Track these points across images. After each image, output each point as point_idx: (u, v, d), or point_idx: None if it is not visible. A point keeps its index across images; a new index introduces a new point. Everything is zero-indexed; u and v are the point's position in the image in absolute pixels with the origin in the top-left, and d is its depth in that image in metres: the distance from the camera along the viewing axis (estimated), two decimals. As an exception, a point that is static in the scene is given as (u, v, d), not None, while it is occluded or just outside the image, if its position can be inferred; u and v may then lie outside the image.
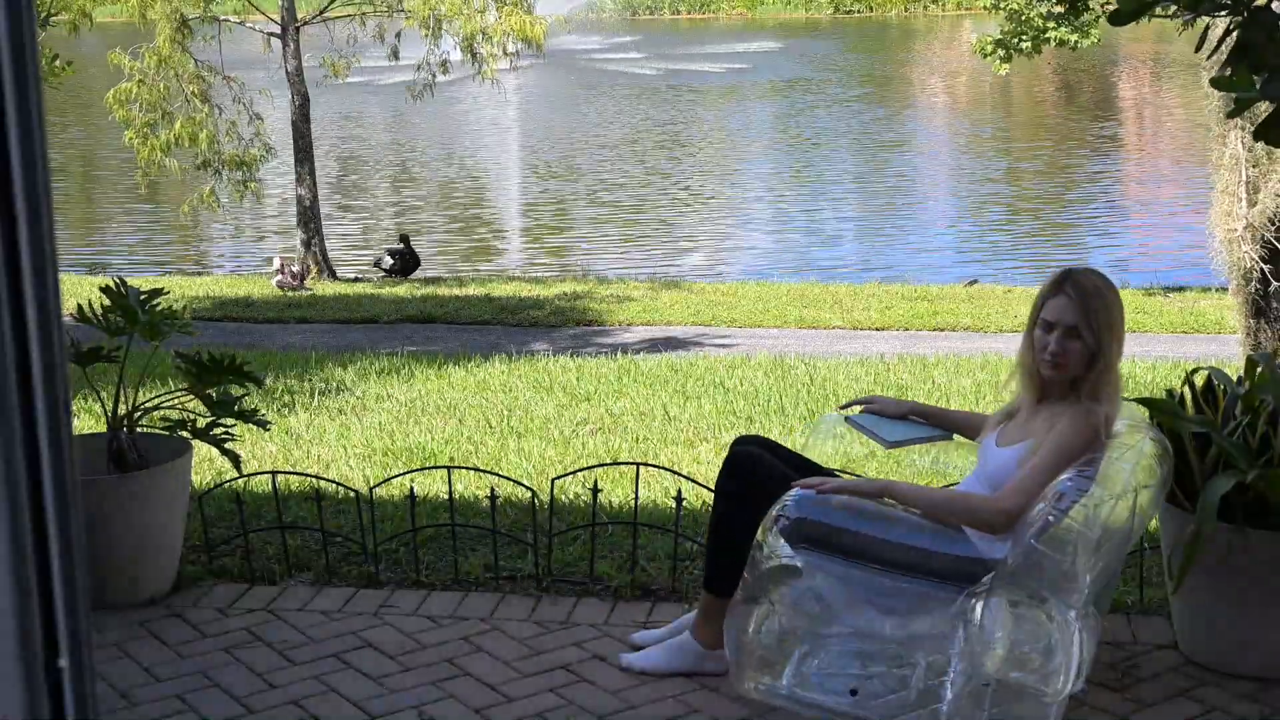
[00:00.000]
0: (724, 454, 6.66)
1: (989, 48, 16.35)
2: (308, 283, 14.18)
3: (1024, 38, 15.92)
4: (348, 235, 18.66)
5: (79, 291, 10.95)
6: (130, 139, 14.70)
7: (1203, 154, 15.15)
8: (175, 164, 14.81)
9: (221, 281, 14.69)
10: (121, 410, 4.50)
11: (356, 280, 15.20)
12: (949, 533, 3.51)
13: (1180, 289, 13.65)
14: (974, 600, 3.32)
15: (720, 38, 45.86)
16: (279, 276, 13.80)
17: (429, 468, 5.79)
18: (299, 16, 15.43)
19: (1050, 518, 3.24)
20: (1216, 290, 12.00)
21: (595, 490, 4.74)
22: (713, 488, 5.02)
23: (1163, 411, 3.90)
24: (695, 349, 10.52)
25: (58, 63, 11.76)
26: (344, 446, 6.51)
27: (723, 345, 10.74)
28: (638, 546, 4.65)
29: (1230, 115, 3.59)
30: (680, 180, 22.40)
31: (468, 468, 5.76)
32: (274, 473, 5.00)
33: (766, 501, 3.55)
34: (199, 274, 16.19)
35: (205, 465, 5.86)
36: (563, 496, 5.31)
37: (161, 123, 14.62)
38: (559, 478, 5.12)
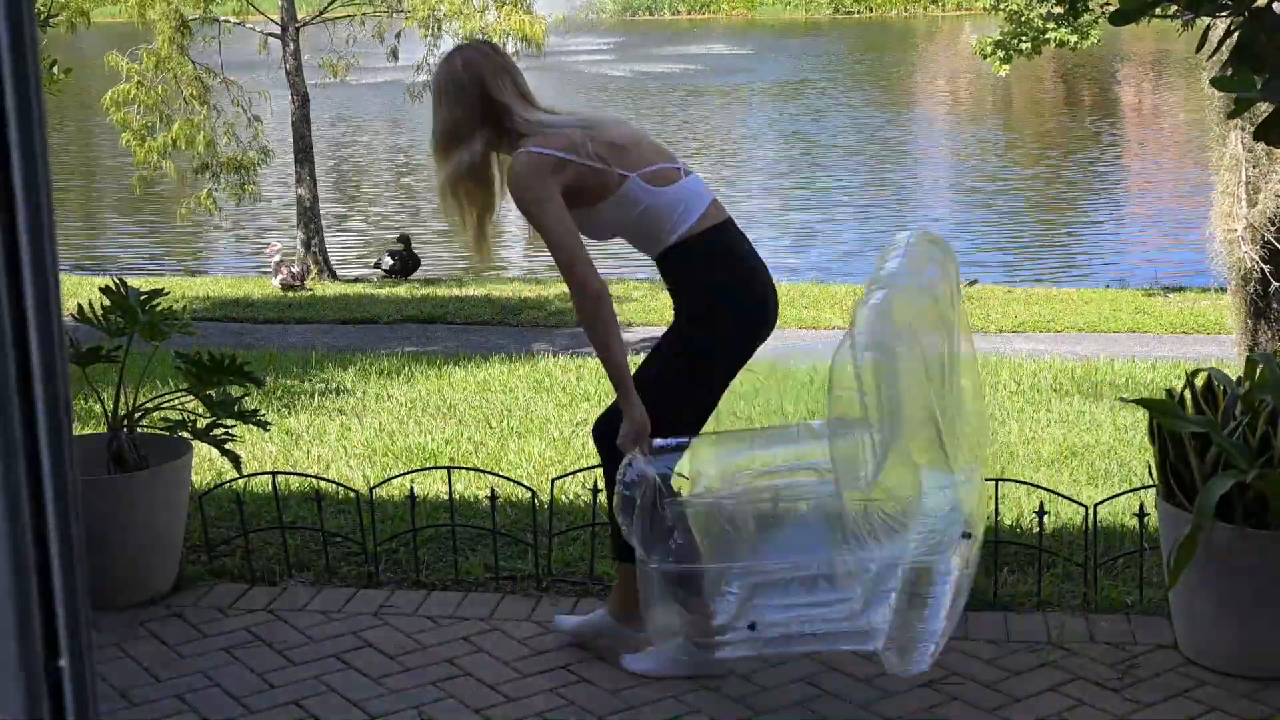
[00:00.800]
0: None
1: (989, 49, 16.35)
2: (307, 283, 14.18)
3: (1023, 39, 15.91)
4: (348, 236, 18.66)
5: (79, 292, 10.95)
6: (128, 141, 14.69)
7: (1203, 154, 15.17)
8: (172, 166, 14.77)
9: (221, 282, 14.69)
10: (121, 411, 4.50)
11: (357, 280, 15.20)
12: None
13: (1180, 289, 13.65)
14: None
15: (720, 38, 45.85)
16: (280, 274, 13.78)
17: (429, 468, 5.79)
18: (299, 17, 15.43)
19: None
20: (1216, 290, 12.00)
21: (595, 490, 4.74)
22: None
23: (1163, 412, 3.90)
24: (695, 349, 10.50)
25: (56, 69, 11.73)
26: (344, 447, 6.51)
27: (723, 345, 10.71)
28: (638, 547, 4.65)
29: (1231, 116, 3.60)
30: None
31: (468, 468, 5.76)
32: (274, 473, 5.00)
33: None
34: (199, 274, 16.18)
35: (205, 465, 5.86)
36: (563, 496, 5.31)
37: (159, 125, 14.59)
38: (559, 478, 5.12)
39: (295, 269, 14.00)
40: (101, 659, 4.03)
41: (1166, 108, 30.66)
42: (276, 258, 13.91)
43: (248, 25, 15.95)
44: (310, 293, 13.74)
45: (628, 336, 12.19)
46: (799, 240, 18.21)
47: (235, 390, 4.65)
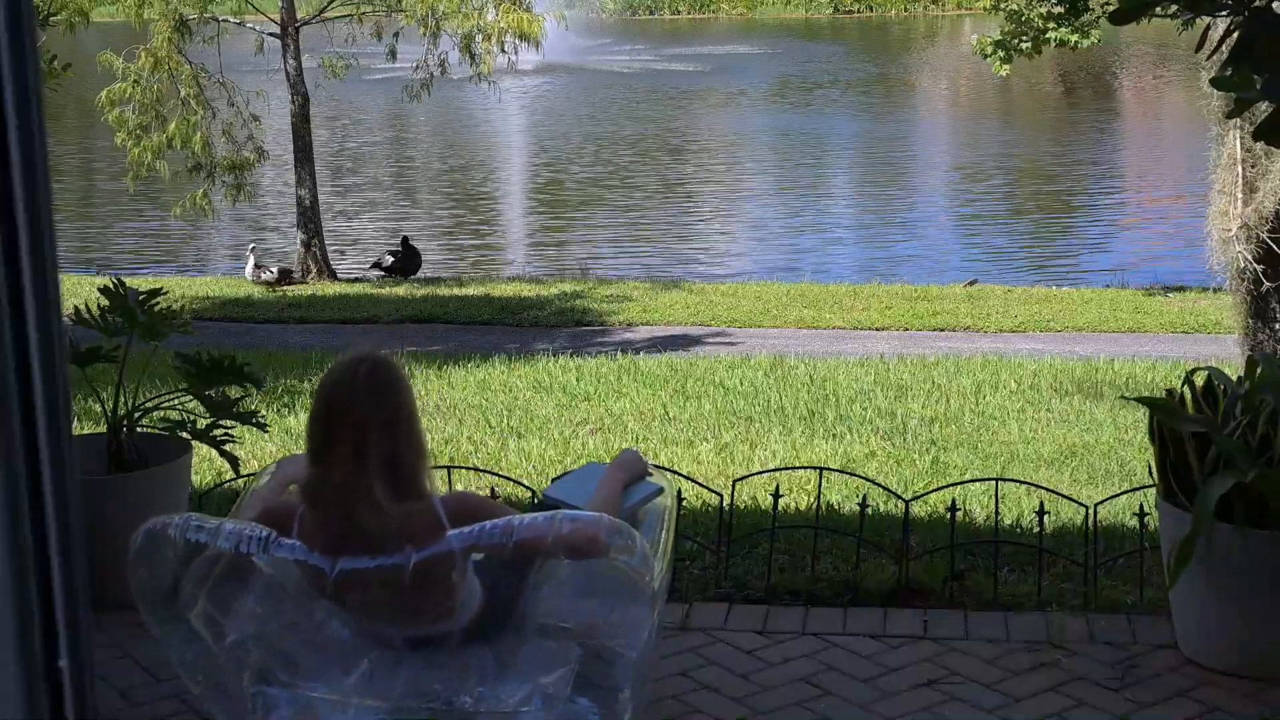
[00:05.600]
0: (724, 454, 6.68)
1: (989, 48, 16.33)
2: (308, 281, 14.19)
3: (1024, 38, 15.89)
4: (348, 235, 18.66)
5: (78, 292, 10.95)
6: (122, 140, 14.66)
7: (1204, 154, 15.19)
8: (164, 166, 14.73)
9: (221, 282, 14.69)
10: (121, 411, 4.50)
11: (356, 280, 15.20)
12: None
13: (1180, 289, 13.66)
14: None
15: (721, 38, 45.84)
16: (261, 273, 13.87)
17: (429, 467, 5.78)
18: (299, 17, 15.42)
19: None
20: (1216, 290, 12.01)
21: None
22: (712, 488, 5.03)
23: (1163, 411, 3.90)
24: (695, 349, 10.53)
25: (55, 63, 11.74)
26: (344, 446, 6.50)
27: (723, 345, 10.74)
28: (638, 546, 4.64)
29: (1230, 115, 3.60)
30: (681, 180, 22.40)
31: (467, 468, 5.76)
32: (274, 473, 4.99)
33: None
34: (199, 274, 16.19)
35: (205, 465, 5.86)
36: (563, 497, 5.30)
37: (155, 124, 14.57)
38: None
39: (273, 270, 14.00)
40: (101, 659, 4.02)
41: (1167, 107, 30.66)
42: (252, 260, 13.99)
43: (247, 25, 15.93)
44: (298, 292, 13.76)
45: (628, 336, 12.26)
46: (798, 240, 18.21)
47: (234, 391, 4.65)
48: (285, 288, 13.80)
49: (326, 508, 2.97)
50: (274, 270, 14.04)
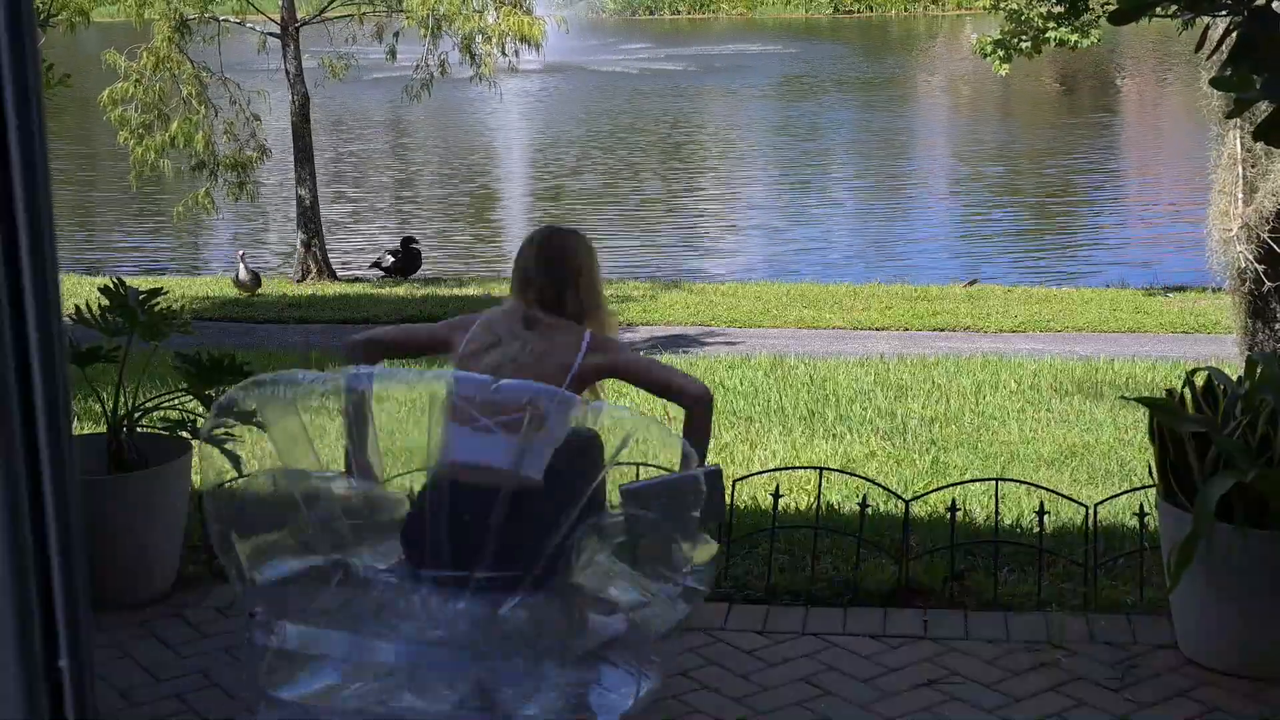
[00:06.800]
0: (724, 454, 6.68)
1: (989, 48, 16.32)
2: (308, 281, 14.18)
3: (1024, 38, 15.88)
4: (348, 236, 18.66)
5: (78, 292, 10.94)
6: (125, 139, 14.67)
7: (1204, 154, 15.20)
8: (168, 165, 14.74)
9: (222, 281, 14.68)
10: (121, 411, 4.50)
11: (356, 280, 15.20)
12: None
13: (1180, 289, 13.66)
14: None
15: (721, 38, 45.84)
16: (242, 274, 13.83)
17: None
18: (299, 17, 15.42)
19: None
20: (1216, 290, 12.02)
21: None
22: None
23: (1163, 411, 3.90)
24: (695, 349, 10.53)
25: (54, 71, 11.73)
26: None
27: (723, 345, 10.74)
28: (638, 546, 4.63)
29: (1230, 115, 3.60)
30: (681, 180, 22.40)
31: (468, 468, 5.75)
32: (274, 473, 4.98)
33: None
34: (199, 274, 16.19)
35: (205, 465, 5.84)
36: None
37: (157, 123, 14.58)
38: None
39: (245, 273, 13.93)
40: (101, 659, 4.02)
41: (1167, 107, 30.66)
42: (242, 265, 13.92)
43: (247, 24, 15.94)
44: (306, 292, 13.75)
45: (629, 336, 12.27)
46: (798, 240, 18.21)
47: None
48: (262, 291, 13.75)
49: (493, 323, 3.67)
50: (248, 272, 13.91)
